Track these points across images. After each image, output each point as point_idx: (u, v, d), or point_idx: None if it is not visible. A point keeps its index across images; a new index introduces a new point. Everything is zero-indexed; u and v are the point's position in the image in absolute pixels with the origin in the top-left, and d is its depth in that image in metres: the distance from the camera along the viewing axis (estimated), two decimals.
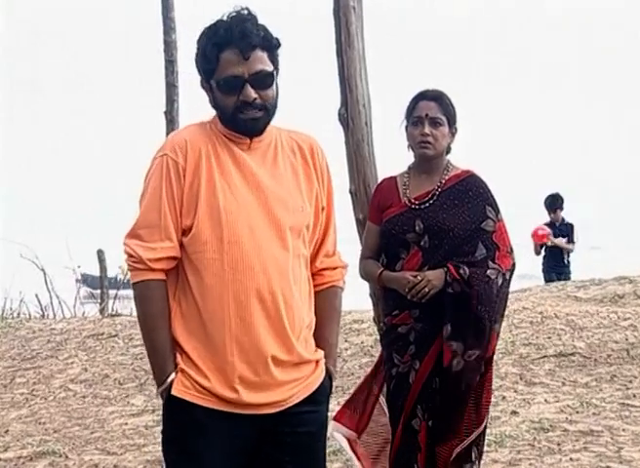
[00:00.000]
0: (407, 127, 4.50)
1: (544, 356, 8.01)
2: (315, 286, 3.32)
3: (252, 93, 3.09)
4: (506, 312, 9.06)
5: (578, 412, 6.61)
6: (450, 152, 4.55)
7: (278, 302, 3.11)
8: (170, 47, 10.32)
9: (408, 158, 4.57)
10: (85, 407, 7.59)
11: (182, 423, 3.15)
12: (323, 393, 3.27)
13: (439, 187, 4.47)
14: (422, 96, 4.48)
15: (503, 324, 8.83)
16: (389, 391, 4.52)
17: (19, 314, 11.49)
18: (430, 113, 4.41)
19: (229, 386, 3.11)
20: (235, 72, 3.09)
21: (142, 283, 3.15)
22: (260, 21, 3.14)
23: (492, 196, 4.49)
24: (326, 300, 3.32)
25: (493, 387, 7.31)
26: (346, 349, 8.50)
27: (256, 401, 3.13)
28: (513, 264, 4.49)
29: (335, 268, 3.37)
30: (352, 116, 4.94)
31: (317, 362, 3.26)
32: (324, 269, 3.35)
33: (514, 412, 6.67)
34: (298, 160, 3.26)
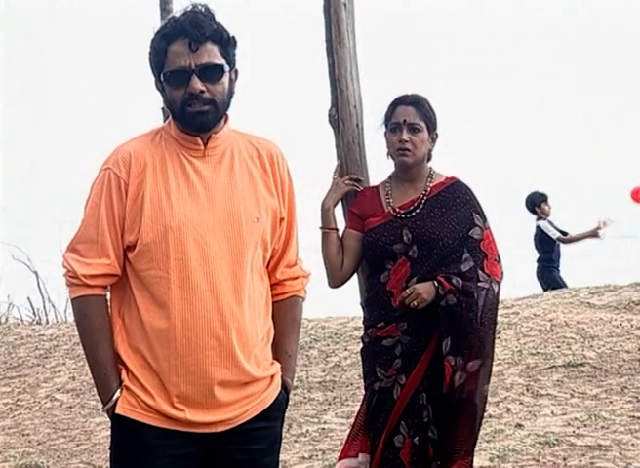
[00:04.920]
0: (386, 133, 4.40)
1: (553, 366, 7.83)
2: (276, 296, 3.25)
3: (198, 84, 3.01)
4: (515, 320, 9.05)
5: (585, 426, 6.47)
6: (431, 159, 4.44)
7: (227, 322, 3.03)
8: None
9: None
10: (71, 417, 7.44)
11: (130, 442, 3.08)
12: (277, 408, 3.20)
13: (424, 195, 4.36)
14: (400, 100, 4.38)
15: (510, 332, 8.83)
16: (370, 406, 4.38)
17: (7, 319, 11.39)
18: (408, 119, 4.32)
19: (174, 406, 3.03)
20: (182, 63, 3.02)
21: (80, 299, 3.09)
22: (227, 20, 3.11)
23: (478, 203, 4.40)
24: (286, 311, 3.27)
25: (498, 399, 7.28)
26: (346, 358, 8.37)
27: (203, 420, 3.05)
28: (502, 273, 4.39)
29: (296, 278, 3.30)
30: (343, 117, 4.74)
31: (272, 376, 3.18)
32: (285, 279, 3.27)
33: (519, 425, 6.54)
34: (257, 168, 3.16)
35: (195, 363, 3.01)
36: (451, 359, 4.23)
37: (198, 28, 3.01)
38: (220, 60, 3.04)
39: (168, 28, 3.04)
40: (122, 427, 3.08)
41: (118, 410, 3.06)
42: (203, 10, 3.05)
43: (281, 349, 3.23)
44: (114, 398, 3.06)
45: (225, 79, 3.06)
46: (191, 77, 3.01)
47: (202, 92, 3.02)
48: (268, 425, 3.16)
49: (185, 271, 3.01)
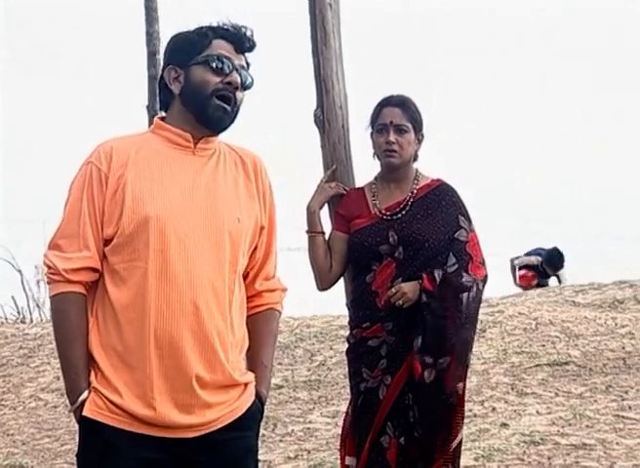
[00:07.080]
0: (372, 134, 4.40)
1: (537, 365, 7.83)
2: (253, 307, 3.22)
3: (238, 79, 3.04)
4: (500, 318, 9.06)
5: (570, 425, 6.47)
6: (417, 160, 4.44)
7: (202, 316, 3.00)
8: (152, 38, 10.01)
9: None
10: (56, 417, 7.38)
11: (95, 446, 3.02)
12: (251, 418, 3.12)
13: (411, 197, 4.37)
14: (387, 102, 4.38)
15: (495, 331, 8.84)
16: (356, 407, 4.37)
17: None
18: (395, 120, 4.32)
19: (146, 402, 2.97)
20: (229, 56, 3.06)
21: (59, 295, 3.03)
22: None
23: (464, 206, 4.40)
24: (263, 323, 3.23)
25: (483, 398, 7.28)
26: (331, 357, 8.35)
27: (173, 421, 2.98)
28: (486, 275, 4.39)
29: (274, 290, 3.26)
30: (328, 118, 4.73)
31: (246, 385, 3.12)
32: (263, 291, 3.24)
33: (504, 425, 6.54)
34: (240, 173, 3.15)
35: (170, 356, 2.96)
36: (421, 357, 4.22)
37: (246, 40, 3.09)
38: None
39: (219, 26, 3.09)
40: (88, 429, 3.01)
41: (85, 412, 2.99)
42: (249, 31, 3.11)
43: (257, 360, 3.19)
44: (80, 399, 3.00)
45: (244, 93, 3.11)
46: (233, 71, 3.05)
47: (237, 88, 3.05)
48: (241, 435, 3.08)
49: (164, 262, 2.97)
